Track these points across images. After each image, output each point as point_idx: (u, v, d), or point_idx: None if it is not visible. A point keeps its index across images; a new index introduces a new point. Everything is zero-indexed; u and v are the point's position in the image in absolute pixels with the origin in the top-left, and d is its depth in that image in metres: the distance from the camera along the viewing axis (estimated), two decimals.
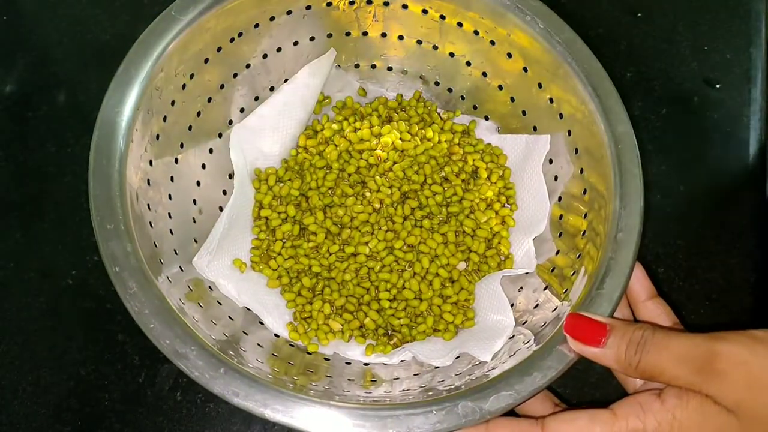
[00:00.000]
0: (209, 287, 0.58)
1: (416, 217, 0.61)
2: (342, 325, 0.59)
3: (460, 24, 0.62)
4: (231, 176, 0.63)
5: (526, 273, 0.60)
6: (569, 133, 0.59)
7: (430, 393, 0.49)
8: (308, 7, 0.62)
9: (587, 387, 0.60)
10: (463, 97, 0.67)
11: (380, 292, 0.59)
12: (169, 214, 0.57)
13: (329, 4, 0.62)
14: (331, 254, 0.60)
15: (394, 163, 0.63)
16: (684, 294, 0.64)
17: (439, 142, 0.64)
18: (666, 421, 0.46)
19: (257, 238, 0.62)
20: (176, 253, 0.56)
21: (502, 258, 0.61)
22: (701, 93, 0.72)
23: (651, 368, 0.46)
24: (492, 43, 0.62)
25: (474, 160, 0.64)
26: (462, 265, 0.61)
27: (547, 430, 0.48)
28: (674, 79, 0.72)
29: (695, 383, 0.45)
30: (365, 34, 0.65)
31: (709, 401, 0.45)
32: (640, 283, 0.55)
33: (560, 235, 0.59)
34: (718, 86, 0.72)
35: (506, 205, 0.63)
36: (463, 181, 0.63)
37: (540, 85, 0.60)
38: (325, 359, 0.58)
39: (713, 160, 0.69)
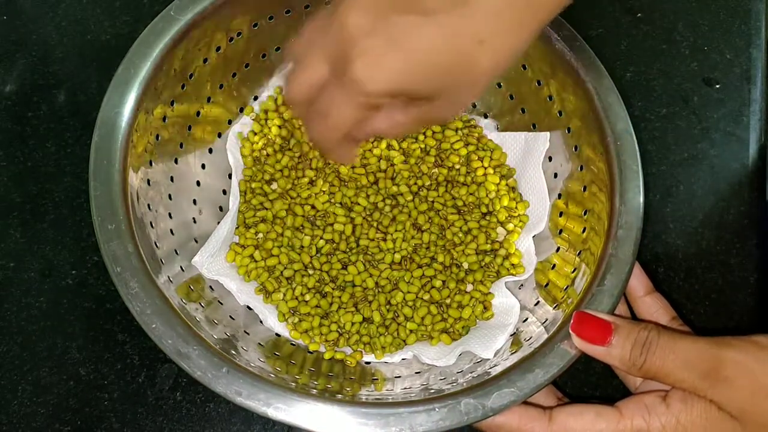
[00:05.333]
0: (210, 287, 0.58)
1: (421, 219, 0.61)
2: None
3: None
4: (231, 176, 0.63)
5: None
6: (568, 130, 0.59)
7: (432, 391, 0.49)
8: (307, 6, 0.62)
9: (587, 386, 0.60)
10: None
11: (378, 295, 0.59)
12: (170, 214, 0.57)
13: (328, 2, 0.62)
14: (327, 258, 0.60)
15: (392, 165, 0.63)
16: (684, 294, 0.64)
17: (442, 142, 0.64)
18: (670, 424, 0.46)
19: (253, 242, 0.61)
20: (177, 253, 0.57)
21: (513, 264, 0.61)
22: (701, 93, 0.72)
23: (656, 370, 0.46)
24: None
25: (469, 152, 0.64)
26: (470, 287, 0.60)
27: (555, 421, 0.48)
28: (674, 79, 0.72)
29: (701, 388, 0.45)
30: None
31: (713, 407, 0.45)
32: (638, 278, 0.55)
33: (560, 232, 0.59)
34: (718, 86, 0.72)
35: (517, 208, 0.63)
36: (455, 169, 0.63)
37: (539, 83, 0.60)
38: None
39: (713, 160, 0.69)
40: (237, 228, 0.61)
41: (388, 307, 0.59)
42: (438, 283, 0.59)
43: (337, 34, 0.41)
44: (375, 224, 0.61)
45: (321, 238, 0.60)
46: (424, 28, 0.39)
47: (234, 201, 0.61)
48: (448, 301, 0.59)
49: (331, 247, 0.60)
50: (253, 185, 0.62)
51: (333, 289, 0.59)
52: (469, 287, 0.60)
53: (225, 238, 0.59)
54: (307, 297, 0.59)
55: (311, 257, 0.60)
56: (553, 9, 0.41)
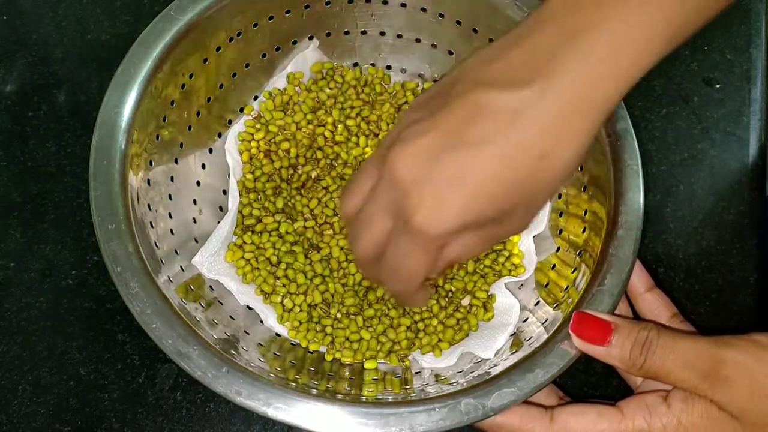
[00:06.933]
0: (210, 287, 0.58)
1: None
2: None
3: (458, 22, 0.62)
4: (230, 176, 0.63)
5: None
6: None
7: (432, 390, 0.49)
8: (307, 6, 0.62)
9: (587, 386, 0.60)
10: None
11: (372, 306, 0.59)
12: (170, 214, 0.57)
13: (328, 2, 0.62)
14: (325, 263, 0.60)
15: None
16: (684, 294, 0.64)
17: None
18: (671, 424, 0.46)
19: (252, 243, 0.61)
20: (177, 253, 0.57)
21: (514, 265, 0.61)
22: (701, 93, 0.72)
23: (656, 369, 0.46)
24: (490, 40, 0.62)
25: None
26: (466, 301, 0.60)
27: (556, 420, 0.48)
28: (674, 79, 0.72)
29: (701, 388, 0.45)
30: (364, 32, 0.65)
31: (714, 407, 0.45)
32: (638, 275, 0.56)
33: (560, 232, 0.59)
34: (718, 86, 0.72)
35: None
36: None
37: None
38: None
39: (713, 160, 0.69)
40: (236, 228, 0.61)
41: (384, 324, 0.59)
42: (436, 309, 0.59)
43: (390, 187, 0.40)
44: None
45: (318, 243, 0.60)
46: (479, 160, 0.38)
47: (233, 201, 0.61)
48: (444, 322, 0.59)
49: (328, 253, 0.60)
50: (251, 185, 0.62)
51: (331, 295, 0.59)
52: (466, 300, 0.59)
53: (225, 238, 0.59)
54: (302, 299, 0.59)
55: (309, 261, 0.60)
56: (609, 106, 0.40)
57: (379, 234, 0.43)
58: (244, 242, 0.60)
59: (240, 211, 0.62)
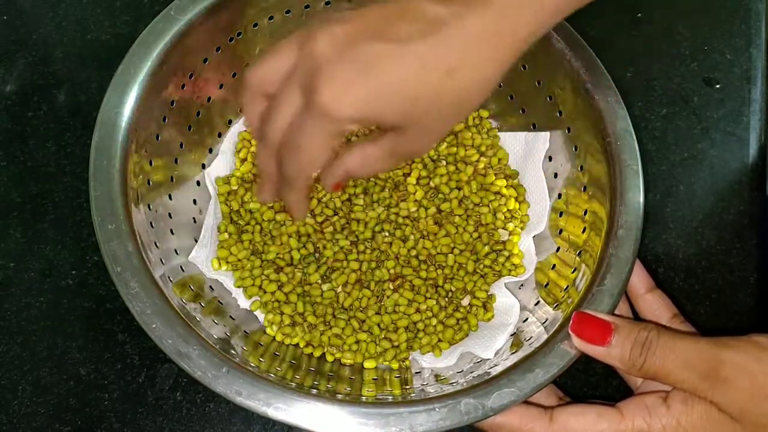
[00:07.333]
0: (210, 287, 0.58)
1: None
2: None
3: None
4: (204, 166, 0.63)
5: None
6: (568, 130, 0.59)
7: (432, 390, 0.49)
8: (307, 6, 0.62)
9: (587, 387, 0.60)
10: None
11: (369, 308, 0.59)
12: (170, 214, 0.57)
13: (328, 3, 0.62)
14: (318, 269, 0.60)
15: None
16: (684, 294, 0.64)
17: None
18: (671, 425, 0.46)
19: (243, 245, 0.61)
20: (177, 252, 0.57)
21: (514, 265, 0.61)
22: (701, 93, 0.72)
23: (655, 370, 0.46)
24: None
25: (477, 158, 0.63)
26: (466, 301, 0.60)
27: (556, 420, 0.48)
28: (674, 79, 0.72)
29: (701, 389, 0.45)
30: None
31: (714, 408, 0.45)
32: (638, 276, 0.56)
33: (560, 232, 0.59)
34: (718, 86, 0.72)
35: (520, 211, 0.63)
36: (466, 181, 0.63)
37: (539, 83, 0.60)
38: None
39: (713, 160, 0.69)
40: (228, 233, 0.61)
41: (381, 325, 0.59)
42: (436, 309, 0.59)
43: (306, 62, 0.41)
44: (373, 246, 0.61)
45: (312, 254, 0.60)
46: (394, 57, 0.40)
47: (213, 189, 0.62)
48: (444, 322, 0.59)
49: (323, 261, 0.60)
50: (233, 202, 0.62)
51: (319, 303, 0.59)
52: (466, 300, 0.59)
53: (213, 232, 0.60)
54: (291, 308, 0.58)
55: (298, 270, 0.60)
56: (528, 38, 0.42)
57: (290, 113, 0.43)
58: (242, 240, 0.61)
59: (231, 218, 0.61)
